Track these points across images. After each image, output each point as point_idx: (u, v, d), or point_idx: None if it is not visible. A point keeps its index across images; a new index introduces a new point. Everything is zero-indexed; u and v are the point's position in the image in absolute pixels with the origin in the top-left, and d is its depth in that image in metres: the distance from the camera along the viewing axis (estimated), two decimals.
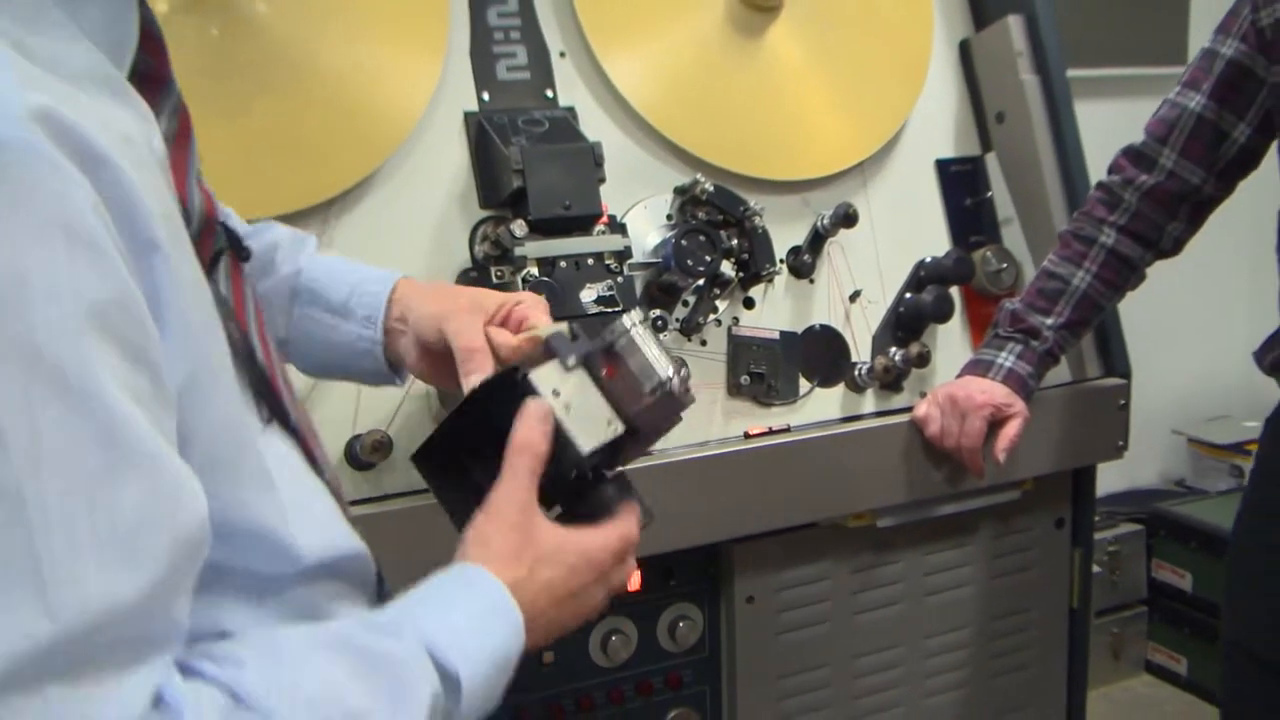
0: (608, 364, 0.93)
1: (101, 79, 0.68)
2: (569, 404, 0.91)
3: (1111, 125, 2.03)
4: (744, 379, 1.59)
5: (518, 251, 1.42)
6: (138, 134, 0.68)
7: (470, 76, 1.53)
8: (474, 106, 1.53)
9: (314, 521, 0.80)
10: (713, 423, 1.57)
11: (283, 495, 0.75)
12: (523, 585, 0.83)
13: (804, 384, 1.63)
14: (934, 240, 1.75)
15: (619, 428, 0.93)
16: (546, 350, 0.94)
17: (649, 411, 0.94)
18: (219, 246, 0.80)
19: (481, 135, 1.50)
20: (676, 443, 1.51)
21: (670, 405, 0.94)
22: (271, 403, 0.81)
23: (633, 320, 0.94)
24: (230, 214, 1.01)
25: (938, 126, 1.80)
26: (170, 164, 0.73)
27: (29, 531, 0.55)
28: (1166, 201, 1.56)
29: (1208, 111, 1.50)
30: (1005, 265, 1.75)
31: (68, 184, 0.58)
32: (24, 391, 0.56)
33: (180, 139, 0.76)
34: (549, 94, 1.57)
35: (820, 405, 1.64)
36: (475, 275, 1.47)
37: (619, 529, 0.92)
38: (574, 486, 0.94)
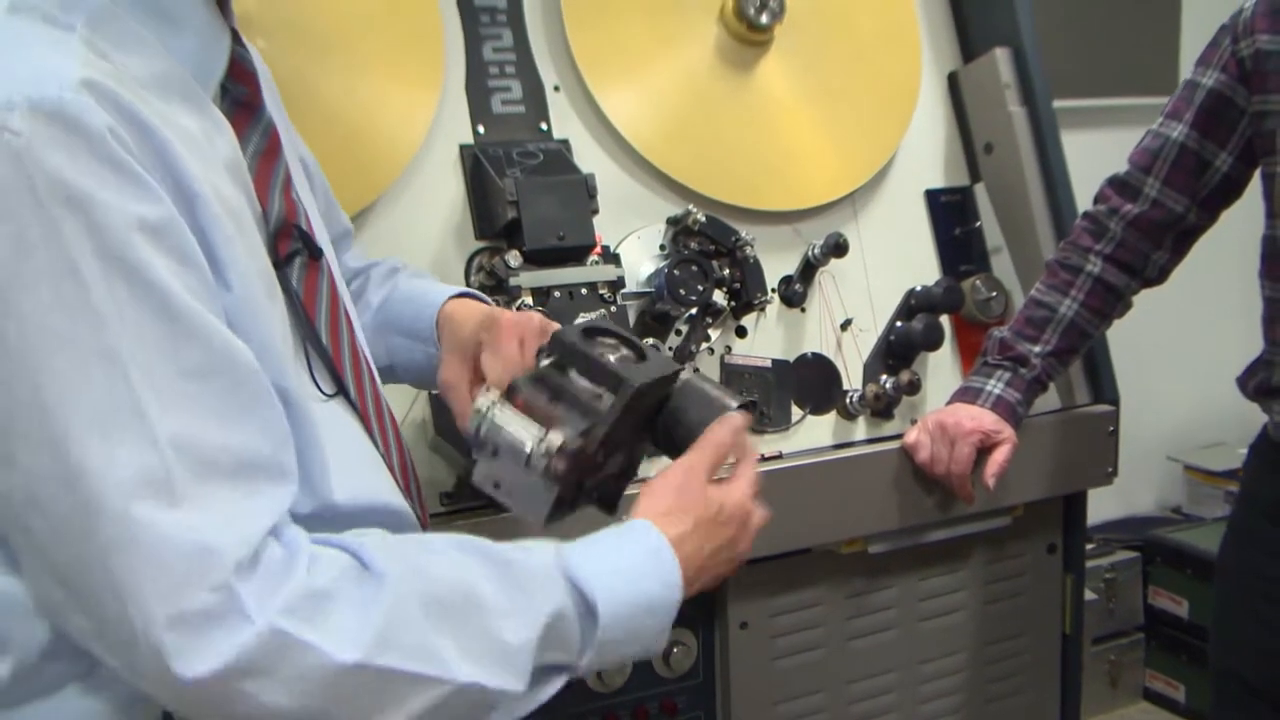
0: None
1: (178, 90, 0.85)
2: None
3: (1098, 155, 2.06)
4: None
5: (513, 281, 1.45)
6: (199, 134, 0.85)
7: (466, 110, 1.57)
8: (469, 139, 1.56)
9: (354, 475, 0.93)
10: None
11: (327, 449, 0.89)
12: (683, 540, 0.93)
13: (796, 411, 1.66)
14: (924, 269, 1.78)
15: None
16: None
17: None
18: (294, 247, 0.95)
19: (477, 167, 1.53)
20: None
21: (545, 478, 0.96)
22: (336, 379, 0.96)
23: (489, 401, 0.96)
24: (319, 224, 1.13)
25: (927, 157, 1.83)
26: (256, 173, 0.93)
27: (129, 383, 0.74)
28: (1151, 230, 1.59)
29: (1190, 141, 1.53)
30: (994, 294, 1.78)
31: (114, 130, 0.75)
32: (105, 280, 0.73)
33: (268, 155, 0.95)
34: (543, 127, 1.60)
35: (812, 432, 1.67)
36: None
37: (747, 476, 1.02)
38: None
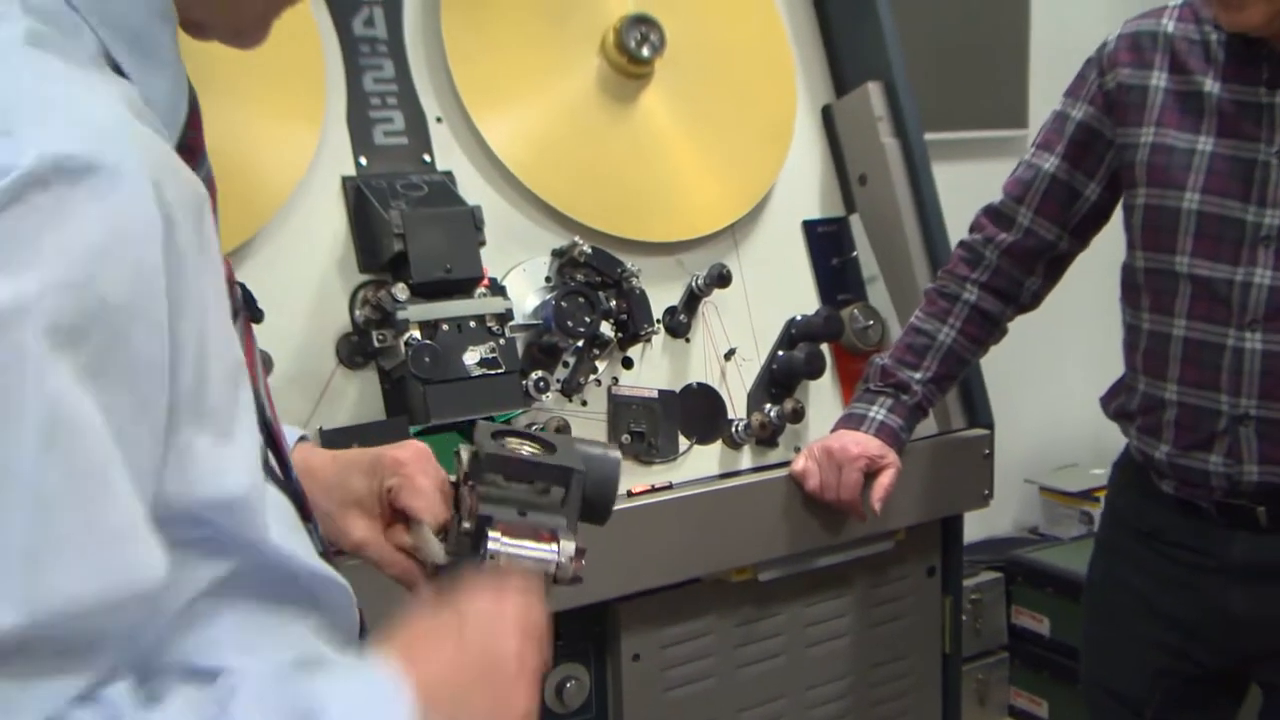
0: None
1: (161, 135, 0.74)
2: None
3: (961, 186, 2.15)
4: (625, 438, 1.63)
5: (400, 315, 1.45)
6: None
7: (348, 141, 1.57)
8: (352, 171, 1.56)
9: (303, 549, 0.84)
10: None
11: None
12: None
13: (683, 441, 1.68)
14: (804, 298, 1.84)
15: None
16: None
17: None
18: (235, 306, 0.84)
19: (360, 200, 1.53)
20: None
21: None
22: (277, 455, 0.86)
23: (495, 539, 0.96)
24: None
25: (804, 189, 1.89)
26: None
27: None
28: (1025, 258, 1.67)
29: (1060, 172, 1.62)
30: (872, 322, 1.84)
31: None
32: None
33: (210, 204, 0.82)
34: (427, 159, 1.60)
35: (699, 462, 1.70)
36: (356, 339, 1.50)
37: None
38: None
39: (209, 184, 0.84)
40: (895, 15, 1.86)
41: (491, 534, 0.96)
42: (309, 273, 1.50)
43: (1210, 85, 1.46)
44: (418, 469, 1.06)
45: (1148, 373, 1.55)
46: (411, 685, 0.74)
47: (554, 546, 0.97)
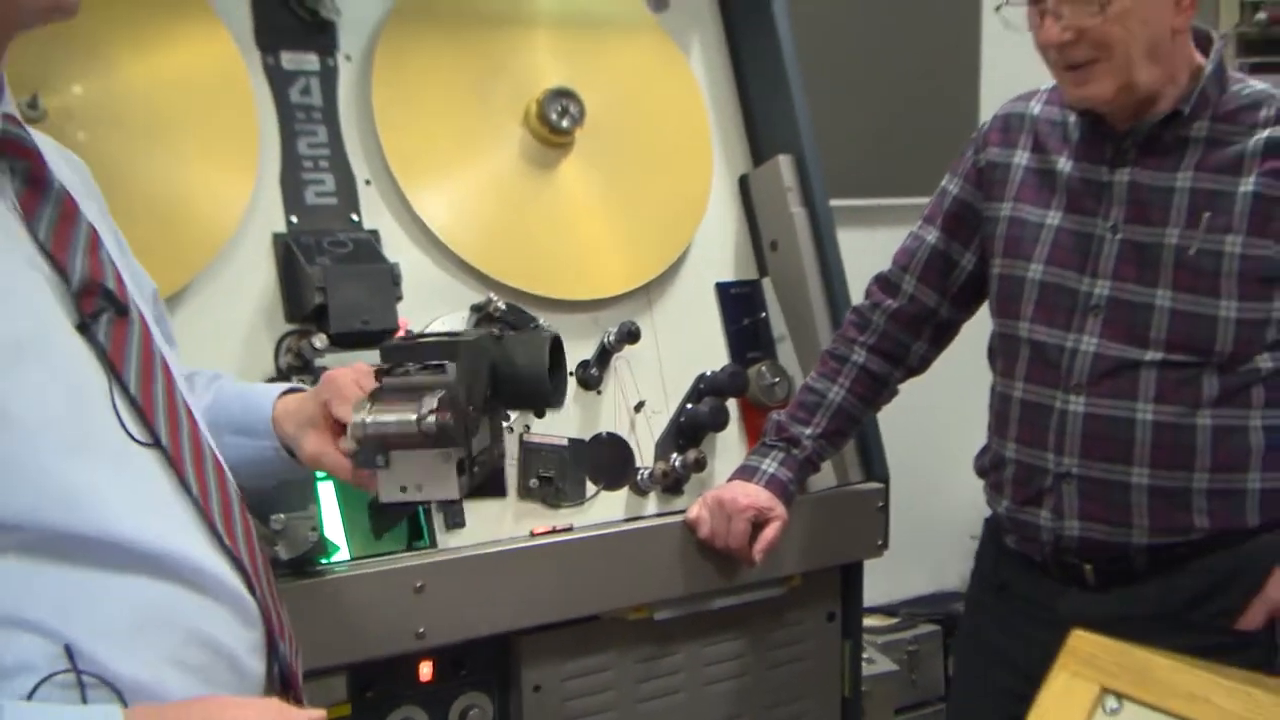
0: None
1: None
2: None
3: (881, 248, 2.28)
4: (533, 482, 1.75)
5: (318, 363, 1.60)
6: None
7: (280, 200, 1.71)
8: (283, 228, 1.70)
9: (148, 518, 0.98)
10: (503, 522, 1.73)
11: (125, 490, 0.97)
12: None
13: (590, 487, 1.80)
14: (714, 355, 1.96)
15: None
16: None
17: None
18: (100, 305, 1.02)
19: (288, 254, 1.66)
20: (467, 540, 1.68)
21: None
22: (147, 427, 1.02)
23: (363, 412, 1.16)
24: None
25: (719, 252, 2.03)
26: (53, 238, 1.02)
27: None
28: (909, 323, 1.80)
29: (940, 243, 1.75)
30: (778, 379, 1.96)
31: None
32: None
33: (64, 221, 1.04)
34: (354, 218, 1.74)
35: (607, 507, 1.82)
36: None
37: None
38: None
39: (64, 202, 1.04)
40: (847, 81, 1.94)
41: (357, 414, 1.14)
42: (238, 320, 1.64)
43: (1063, 164, 1.60)
44: (347, 380, 1.24)
45: (996, 432, 1.68)
46: None
47: (416, 406, 1.13)
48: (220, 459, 1.14)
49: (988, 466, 1.71)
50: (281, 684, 1.16)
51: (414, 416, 1.13)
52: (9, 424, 0.93)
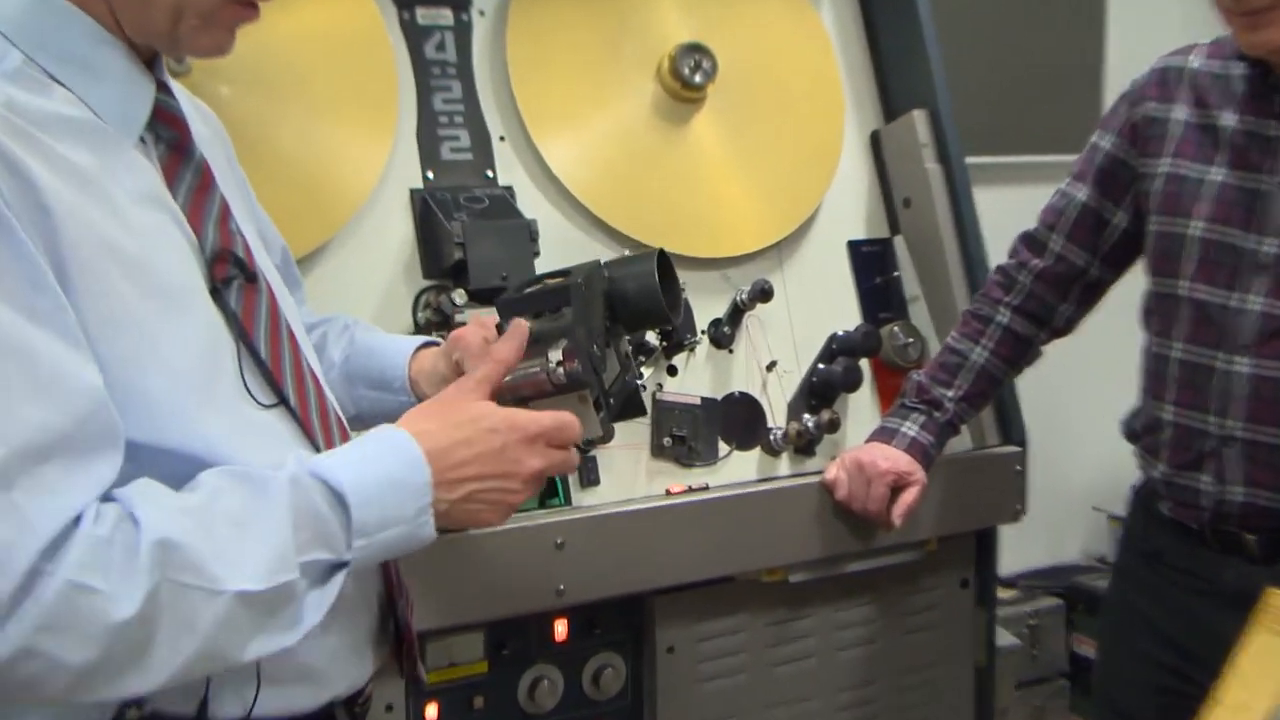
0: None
1: (80, 130, 0.98)
2: None
3: (1014, 209, 2.22)
4: (666, 441, 1.76)
5: (458, 318, 1.62)
6: (94, 168, 0.97)
7: (417, 157, 1.73)
8: (419, 184, 1.72)
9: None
10: (637, 481, 1.75)
11: (257, 452, 1.00)
12: (430, 434, 1.03)
13: (723, 447, 1.81)
14: (845, 315, 1.95)
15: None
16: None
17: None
18: (231, 273, 1.07)
19: (425, 211, 1.69)
20: (602, 498, 1.70)
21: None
22: (275, 390, 1.07)
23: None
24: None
25: (850, 210, 2.01)
26: (190, 206, 1.06)
27: None
28: (1056, 283, 1.77)
29: (1090, 200, 1.72)
30: (911, 340, 1.95)
31: None
32: None
33: (200, 190, 1.08)
34: (489, 174, 1.76)
35: (738, 467, 1.82)
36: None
37: (556, 415, 1.11)
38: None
39: (202, 172, 1.10)
40: (974, 37, 1.93)
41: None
42: (377, 277, 1.67)
43: (1227, 118, 1.56)
44: (475, 338, 1.27)
45: (1151, 393, 1.65)
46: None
47: (542, 359, 1.17)
48: (344, 420, 1.18)
49: (1139, 430, 1.68)
50: (395, 639, 1.20)
51: (541, 370, 1.16)
52: (161, 363, 0.97)
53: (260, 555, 0.92)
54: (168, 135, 1.08)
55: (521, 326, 1.18)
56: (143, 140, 1.05)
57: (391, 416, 1.26)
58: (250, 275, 1.09)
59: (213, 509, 0.93)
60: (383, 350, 1.38)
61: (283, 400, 1.08)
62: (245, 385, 1.05)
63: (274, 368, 1.07)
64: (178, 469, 0.96)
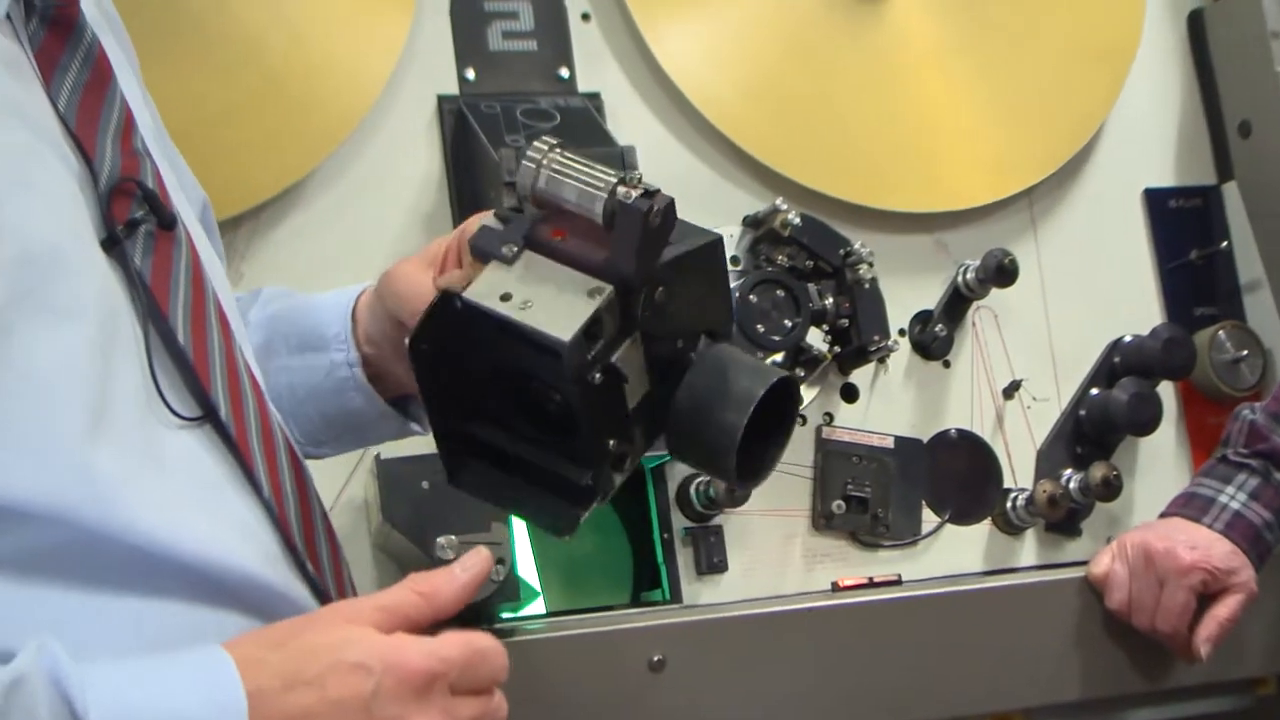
0: (554, 227, 1.03)
1: None
2: (528, 299, 1.00)
3: None
4: (837, 505, 1.67)
5: None
6: None
7: (450, 45, 1.67)
8: (453, 88, 1.66)
9: (195, 525, 0.96)
10: (787, 568, 1.68)
11: (164, 486, 0.95)
12: (263, 666, 0.91)
13: (929, 517, 1.72)
14: (1137, 310, 1.84)
15: (603, 288, 1.00)
16: (476, 254, 1.05)
17: (622, 244, 1.00)
18: (136, 213, 1.01)
19: (462, 129, 1.63)
20: (728, 593, 1.65)
21: (635, 224, 1.00)
22: (197, 394, 1.01)
23: (546, 146, 1.02)
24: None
25: (1147, 141, 1.91)
26: (77, 113, 1.01)
27: None
28: None
29: None
30: (1246, 352, 1.82)
31: None
32: None
33: (92, 89, 1.03)
34: (564, 74, 1.69)
35: (952, 551, 1.74)
36: None
37: (468, 640, 0.97)
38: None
39: (96, 62, 1.04)
40: None
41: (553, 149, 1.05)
42: (384, 225, 1.61)
43: None
44: (409, 282, 1.19)
45: None
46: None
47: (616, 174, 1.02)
48: (292, 442, 1.13)
49: None
50: None
51: (613, 176, 1.01)
52: (23, 377, 0.90)
53: None
54: (44, 4, 1.01)
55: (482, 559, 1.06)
56: (8, 18, 0.99)
57: (315, 390, 1.29)
58: (166, 219, 1.03)
59: None
60: (318, 306, 1.33)
61: (210, 412, 1.02)
62: (157, 388, 0.98)
63: (198, 361, 1.02)
64: (49, 537, 0.90)
